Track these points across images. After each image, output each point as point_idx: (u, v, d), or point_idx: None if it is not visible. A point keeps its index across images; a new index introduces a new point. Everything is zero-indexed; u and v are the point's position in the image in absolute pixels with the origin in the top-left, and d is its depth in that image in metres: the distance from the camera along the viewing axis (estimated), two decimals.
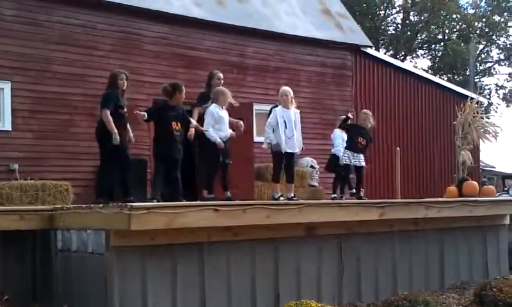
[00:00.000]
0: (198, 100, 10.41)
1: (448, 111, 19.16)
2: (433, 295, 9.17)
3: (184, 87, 9.37)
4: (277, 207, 7.96)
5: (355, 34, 18.13)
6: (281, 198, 9.77)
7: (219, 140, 9.55)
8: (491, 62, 41.95)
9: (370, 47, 18.66)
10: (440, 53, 40.66)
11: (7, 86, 12.13)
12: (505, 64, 41.44)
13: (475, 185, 12.18)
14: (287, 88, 10.04)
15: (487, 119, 13.63)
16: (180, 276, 7.28)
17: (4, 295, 7.43)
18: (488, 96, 38.96)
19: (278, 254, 8.18)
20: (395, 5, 39.50)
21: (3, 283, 7.72)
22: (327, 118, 16.37)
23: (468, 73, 33.54)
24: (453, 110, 15.20)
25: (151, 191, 9.51)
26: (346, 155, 11.06)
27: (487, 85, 41.52)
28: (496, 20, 39.68)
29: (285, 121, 9.73)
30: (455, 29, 39.91)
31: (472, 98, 13.30)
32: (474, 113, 12.80)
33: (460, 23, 39.38)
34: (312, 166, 15.14)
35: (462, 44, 37.04)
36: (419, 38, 40.34)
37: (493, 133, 12.97)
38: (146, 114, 9.20)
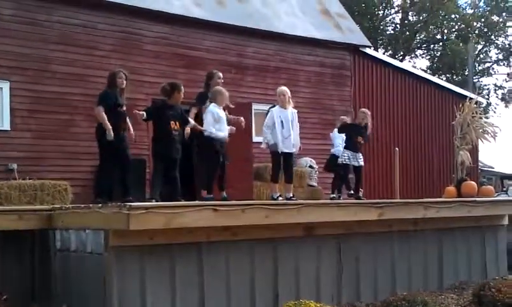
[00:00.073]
0: (196, 100, 10.41)
1: (447, 111, 19.18)
2: (432, 295, 9.16)
3: (182, 87, 9.38)
4: (276, 207, 7.96)
5: (354, 34, 18.14)
6: (280, 198, 9.78)
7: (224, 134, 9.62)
8: (489, 62, 41.93)
9: (369, 47, 18.67)
10: (439, 53, 40.65)
11: (6, 86, 12.13)
12: (503, 65, 41.44)
13: (474, 186, 12.19)
14: (284, 88, 10.07)
15: (486, 120, 13.65)
16: (179, 276, 7.28)
17: (3, 295, 7.43)
18: (486, 97, 38.94)
19: (277, 254, 8.18)
20: (394, 5, 39.51)
21: (2, 282, 7.71)
22: (326, 117, 16.39)
23: (466, 73, 33.54)
24: (452, 111, 15.22)
25: (150, 191, 9.52)
26: (346, 155, 11.07)
27: (486, 85, 41.51)
28: (495, 20, 39.65)
29: (282, 121, 9.78)
30: (454, 29, 39.90)
31: (470, 98, 13.30)
32: (473, 113, 12.81)
33: (459, 24, 39.37)
34: (310, 166, 15.16)
35: (461, 44, 37.03)
36: (418, 38, 40.33)
37: (492, 134, 12.98)
38: (145, 114, 9.21)
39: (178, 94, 9.30)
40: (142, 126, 11.45)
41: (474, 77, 35.52)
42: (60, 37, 12.82)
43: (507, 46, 40.55)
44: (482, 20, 39.42)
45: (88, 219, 7.22)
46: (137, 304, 6.97)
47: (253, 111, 13.88)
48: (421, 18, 38.85)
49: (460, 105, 13.02)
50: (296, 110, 10.09)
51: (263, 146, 10.14)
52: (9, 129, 12.13)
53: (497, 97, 41.88)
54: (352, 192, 11.35)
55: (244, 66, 15.43)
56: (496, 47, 41.08)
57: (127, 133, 9.80)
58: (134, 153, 10.34)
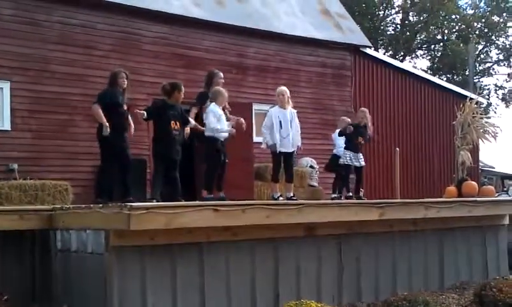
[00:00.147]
0: (196, 100, 10.40)
1: (447, 111, 19.17)
2: (433, 295, 9.16)
3: (183, 87, 9.38)
4: (277, 207, 7.95)
5: (354, 35, 18.13)
6: (281, 198, 9.79)
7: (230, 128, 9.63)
8: (490, 62, 41.94)
9: (370, 47, 18.66)
10: (439, 53, 40.67)
11: (6, 86, 12.13)
12: (504, 65, 41.45)
13: (475, 185, 12.18)
14: (283, 88, 10.11)
15: (486, 120, 13.63)
16: (180, 276, 7.28)
17: (4, 295, 7.43)
18: (487, 97, 38.95)
19: (277, 254, 8.17)
20: (395, 5, 39.54)
21: (3, 283, 7.71)
22: (327, 118, 16.40)
23: (467, 74, 33.52)
24: (452, 111, 15.21)
25: (150, 191, 9.51)
26: (347, 156, 11.07)
27: (486, 85, 41.51)
28: (496, 20, 39.67)
29: (280, 121, 9.81)
30: (454, 30, 39.92)
31: (471, 99, 13.29)
32: (473, 113, 12.81)
33: (459, 24, 39.38)
34: (311, 166, 15.15)
35: (461, 44, 37.04)
36: (418, 38, 40.34)
37: (493, 134, 12.98)
38: (145, 113, 9.21)
39: (178, 94, 9.30)
40: (142, 126, 11.43)
41: (475, 77, 35.51)
42: (59, 37, 12.82)
43: (507, 46, 40.57)
44: (483, 20, 39.43)
45: (88, 219, 7.22)
46: (138, 304, 6.96)
47: (253, 111, 13.90)
48: (421, 18, 38.86)
49: (461, 105, 13.02)
50: (295, 110, 10.10)
51: (263, 146, 10.18)
52: (9, 129, 12.13)
53: (498, 97, 41.93)
54: (350, 194, 11.33)
55: (245, 66, 15.43)
56: (497, 47, 41.09)
57: (128, 133, 9.81)
58: (134, 153, 10.34)
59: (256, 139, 13.11)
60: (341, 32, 17.56)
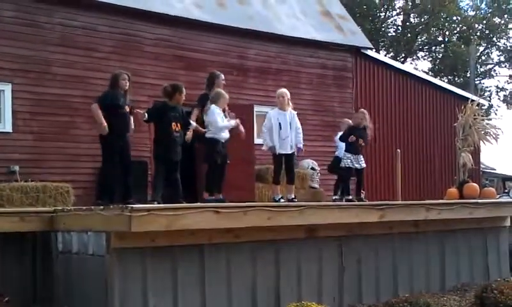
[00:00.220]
0: (198, 102, 10.40)
1: (448, 113, 19.15)
2: (434, 297, 9.15)
3: (184, 89, 9.39)
4: (278, 209, 7.94)
5: (355, 36, 18.13)
6: (282, 200, 9.79)
7: (236, 122, 9.62)
8: (491, 64, 41.98)
9: (371, 48, 18.66)
10: (441, 55, 40.69)
11: (7, 88, 12.14)
12: (505, 66, 41.46)
13: (476, 187, 12.17)
14: (283, 90, 10.14)
15: (487, 121, 13.62)
16: (181, 278, 7.28)
17: (5, 297, 7.43)
18: (488, 98, 38.97)
19: (278, 256, 8.17)
20: (396, 7, 39.57)
21: (3, 284, 7.72)
22: (328, 120, 16.41)
23: (468, 75, 33.55)
24: (453, 112, 15.19)
25: (151, 193, 9.52)
26: (348, 159, 11.07)
27: (487, 87, 41.52)
28: (497, 22, 39.69)
29: (280, 123, 9.83)
30: (455, 31, 39.93)
31: (472, 100, 13.28)
32: (475, 115, 12.79)
33: (460, 25, 39.39)
34: (312, 168, 15.15)
35: (462, 46, 37.07)
36: (419, 39, 40.35)
37: (494, 136, 12.96)
38: (146, 115, 9.23)
39: (179, 96, 9.31)
40: (143, 128, 11.46)
41: (476, 79, 35.53)
42: (60, 39, 12.83)
43: (508, 48, 40.59)
44: (484, 22, 39.43)
45: (89, 221, 7.22)
46: (139, 306, 6.96)
47: (254, 113, 13.91)
48: (422, 20, 38.87)
49: (462, 107, 13.00)
50: (295, 112, 10.11)
51: (264, 148, 10.21)
52: (11, 131, 12.13)
53: (499, 99, 41.97)
54: (350, 197, 11.34)
55: (246, 68, 15.43)
56: (498, 48, 41.14)
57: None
58: (135, 155, 10.36)
59: (257, 140, 13.11)
60: (342, 33, 17.56)
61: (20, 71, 12.29)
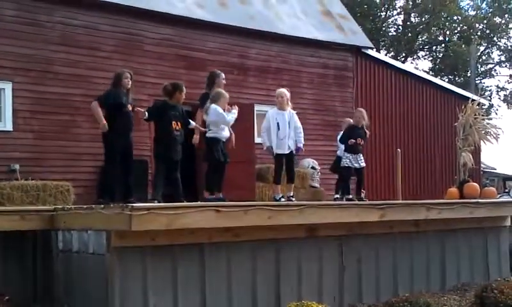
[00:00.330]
0: (200, 102, 10.33)
1: (449, 113, 19.15)
2: (434, 296, 9.16)
3: (184, 88, 9.39)
4: (278, 208, 7.95)
5: (356, 36, 18.12)
6: (283, 200, 9.79)
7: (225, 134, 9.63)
8: (492, 64, 41.95)
9: (371, 48, 18.65)
10: (441, 54, 40.66)
11: (8, 87, 12.13)
12: (506, 66, 41.44)
13: (476, 187, 12.16)
14: (282, 90, 10.14)
15: (488, 121, 13.62)
16: (181, 277, 7.28)
17: (5, 296, 7.44)
18: (488, 98, 38.95)
19: (279, 255, 8.18)
20: (396, 6, 39.55)
21: (4, 283, 7.73)
22: (328, 119, 16.41)
23: (469, 75, 33.55)
24: (454, 112, 15.20)
25: (152, 192, 9.52)
26: (347, 158, 11.07)
27: (488, 87, 41.50)
28: (497, 21, 39.66)
29: (278, 123, 9.84)
30: (456, 31, 39.90)
31: (473, 100, 13.27)
32: (475, 115, 12.78)
33: (461, 25, 39.36)
34: (313, 167, 15.15)
35: (463, 46, 37.04)
36: (420, 39, 40.33)
37: (494, 135, 12.96)
38: (146, 113, 9.24)
39: (179, 95, 9.31)
40: (144, 127, 11.46)
41: (476, 79, 35.51)
42: (62, 38, 12.83)
43: (509, 47, 40.56)
44: (485, 21, 39.40)
45: (90, 220, 7.22)
46: (139, 304, 6.97)
47: (255, 112, 13.91)
48: (423, 19, 38.84)
49: (462, 107, 13.00)
50: (294, 112, 10.11)
51: (264, 148, 10.22)
52: (11, 130, 12.13)
53: (499, 98, 41.94)
54: (350, 196, 11.35)
55: (246, 67, 15.43)
56: (499, 48, 41.12)
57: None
58: (135, 153, 10.35)
59: (257, 140, 13.11)
60: (343, 33, 17.56)
61: (21, 70, 12.28)
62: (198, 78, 12.96)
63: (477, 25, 39.24)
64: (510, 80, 41.51)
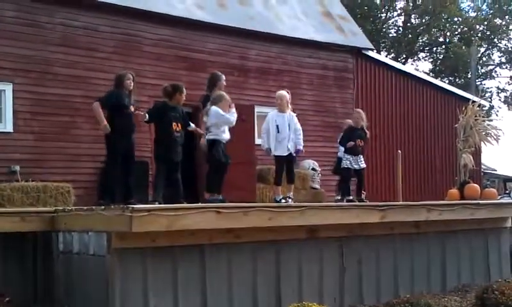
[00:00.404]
0: (202, 104, 10.27)
1: (449, 114, 19.15)
2: (435, 297, 9.13)
3: (184, 89, 9.39)
4: (279, 209, 7.94)
5: (356, 37, 18.13)
6: (283, 201, 9.79)
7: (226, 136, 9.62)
8: (492, 65, 41.93)
9: (372, 49, 18.67)
10: (442, 56, 40.65)
11: (8, 88, 12.14)
12: (506, 68, 41.41)
13: (477, 188, 12.15)
14: (282, 92, 10.13)
15: (488, 122, 13.60)
16: (182, 278, 7.28)
17: (5, 297, 7.43)
18: (489, 99, 38.92)
19: (279, 257, 8.17)
20: (397, 8, 39.55)
21: (4, 284, 7.73)
22: (328, 120, 16.42)
23: (469, 76, 33.53)
24: (454, 113, 15.18)
25: (152, 193, 9.51)
26: (347, 159, 11.07)
27: (488, 88, 41.48)
28: (498, 23, 39.66)
29: (277, 125, 9.84)
30: (456, 32, 39.90)
31: (473, 101, 13.26)
32: (476, 116, 12.77)
33: (461, 26, 39.35)
34: (313, 169, 15.14)
35: (463, 47, 37.02)
36: (420, 40, 40.33)
37: (495, 136, 12.94)
38: (147, 115, 9.23)
39: (180, 96, 9.31)
40: (144, 128, 11.45)
41: (477, 80, 35.49)
42: (62, 39, 12.84)
43: (510, 49, 40.56)
44: (485, 23, 39.41)
45: (90, 221, 7.22)
46: (140, 306, 6.96)
47: (255, 114, 13.91)
48: (424, 20, 38.84)
49: (463, 108, 12.98)
50: (294, 113, 10.10)
51: (264, 149, 10.22)
52: (12, 131, 12.13)
53: (500, 100, 41.92)
54: (351, 197, 11.34)
55: (247, 68, 15.44)
56: (499, 49, 41.10)
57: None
58: (136, 155, 10.34)
59: (258, 141, 13.09)
60: (343, 34, 17.56)
61: (21, 71, 12.29)
62: (198, 80, 12.97)
63: (477, 26, 39.25)
64: (510, 82, 41.50)
